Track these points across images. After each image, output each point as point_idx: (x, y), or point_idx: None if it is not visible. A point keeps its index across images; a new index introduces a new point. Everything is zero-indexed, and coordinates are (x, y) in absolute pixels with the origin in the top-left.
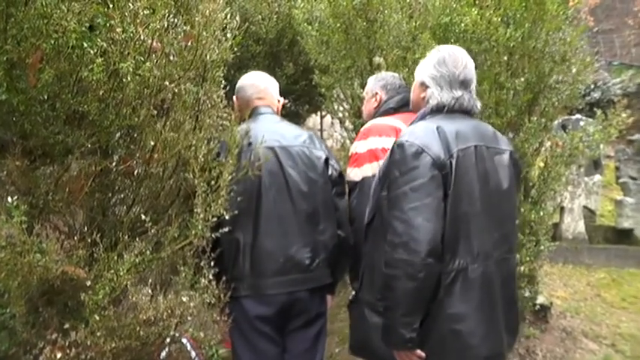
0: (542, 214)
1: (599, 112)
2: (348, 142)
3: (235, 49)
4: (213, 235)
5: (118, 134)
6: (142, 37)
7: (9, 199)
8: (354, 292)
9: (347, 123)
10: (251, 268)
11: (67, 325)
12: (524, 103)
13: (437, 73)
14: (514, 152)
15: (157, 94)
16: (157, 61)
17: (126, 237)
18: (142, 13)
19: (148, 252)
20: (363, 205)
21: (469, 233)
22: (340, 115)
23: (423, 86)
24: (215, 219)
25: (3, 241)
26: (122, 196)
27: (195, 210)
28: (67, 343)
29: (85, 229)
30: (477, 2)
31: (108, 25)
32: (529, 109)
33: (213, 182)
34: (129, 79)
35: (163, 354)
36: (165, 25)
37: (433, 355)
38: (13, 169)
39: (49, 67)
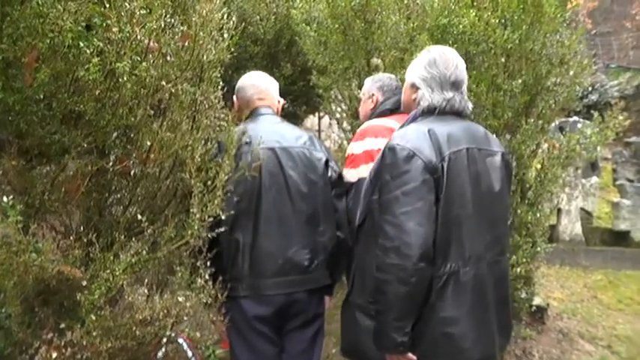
0: (539, 215)
1: (596, 114)
2: (345, 143)
3: (232, 49)
4: (210, 235)
5: (114, 134)
6: (138, 37)
7: (5, 198)
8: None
9: (344, 124)
10: (250, 268)
11: (62, 325)
12: (522, 105)
13: (428, 75)
14: (506, 153)
15: (154, 94)
16: (153, 61)
17: (122, 237)
18: (138, 13)
19: (144, 252)
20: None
21: (461, 236)
22: (338, 115)
23: (414, 88)
24: (211, 219)
25: None
26: (118, 196)
27: (191, 210)
28: (62, 343)
29: (82, 228)
30: (474, 4)
31: (104, 24)
32: (526, 111)
33: (209, 182)
34: (125, 79)
35: (160, 354)
36: (162, 25)
37: (425, 359)
38: (9, 169)
39: (45, 67)
